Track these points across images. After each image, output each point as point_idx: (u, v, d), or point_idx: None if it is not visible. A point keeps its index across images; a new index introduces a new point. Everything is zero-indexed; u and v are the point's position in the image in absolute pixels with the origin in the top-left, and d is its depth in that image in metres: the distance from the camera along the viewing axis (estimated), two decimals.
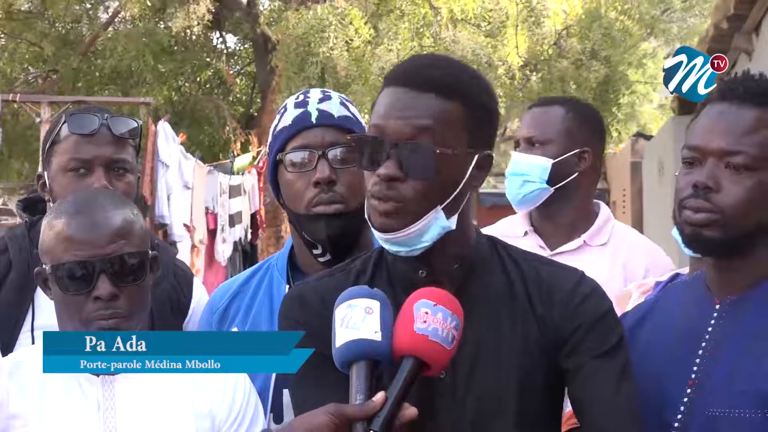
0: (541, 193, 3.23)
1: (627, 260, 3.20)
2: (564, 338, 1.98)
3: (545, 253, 3.19)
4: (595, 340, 1.97)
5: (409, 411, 1.81)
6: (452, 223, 1.96)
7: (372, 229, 1.98)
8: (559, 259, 3.12)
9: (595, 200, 3.38)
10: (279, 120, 2.52)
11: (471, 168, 1.96)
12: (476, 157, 1.97)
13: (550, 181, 3.21)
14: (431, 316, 1.83)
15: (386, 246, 1.98)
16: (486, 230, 3.26)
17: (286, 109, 2.52)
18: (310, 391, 1.95)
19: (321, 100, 2.49)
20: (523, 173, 3.22)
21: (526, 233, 3.30)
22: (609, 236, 3.28)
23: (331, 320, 1.92)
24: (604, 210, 3.35)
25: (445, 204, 1.94)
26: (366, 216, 1.99)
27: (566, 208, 3.26)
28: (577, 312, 1.99)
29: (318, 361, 1.92)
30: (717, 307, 2.11)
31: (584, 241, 3.25)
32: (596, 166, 3.29)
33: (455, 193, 1.95)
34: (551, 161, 3.19)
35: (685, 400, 2.06)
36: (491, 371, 1.96)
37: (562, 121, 3.24)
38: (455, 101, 1.94)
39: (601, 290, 2.05)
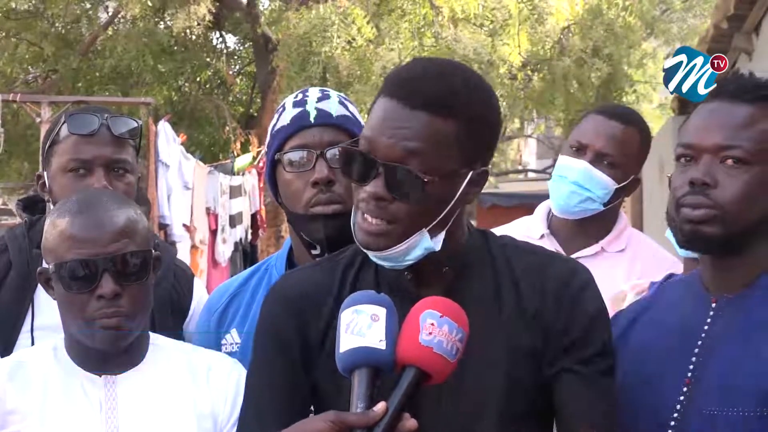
0: (592, 211, 3.16)
1: (644, 268, 3.12)
2: (554, 333, 1.96)
3: None
4: (585, 346, 1.96)
5: (410, 423, 1.80)
6: (437, 243, 1.94)
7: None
8: None
9: None
10: (277, 119, 2.51)
11: (463, 186, 1.93)
12: (470, 174, 1.93)
13: (605, 202, 3.14)
14: (437, 329, 1.82)
15: (371, 257, 1.97)
16: (503, 229, 3.23)
17: (284, 109, 2.51)
18: (276, 390, 2.01)
19: (320, 99, 2.48)
20: (589, 188, 3.11)
21: (542, 236, 3.24)
22: (627, 243, 3.23)
23: (312, 314, 1.98)
24: (622, 216, 3.30)
25: (430, 226, 1.92)
26: (352, 229, 1.96)
27: (595, 221, 3.20)
28: (570, 310, 1.96)
29: (289, 364, 2.00)
30: (713, 305, 2.10)
31: (602, 248, 3.20)
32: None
33: (443, 213, 1.92)
34: (616, 186, 3.12)
35: (682, 398, 2.05)
36: (477, 374, 1.94)
37: (637, 148, 3.16)
38: (449, 118, 1.88)
39: (594, 284, 2.02)
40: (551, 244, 3.21)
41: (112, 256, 2.21)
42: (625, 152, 3.12)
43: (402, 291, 1.97)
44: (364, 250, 1.96)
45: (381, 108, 1.92)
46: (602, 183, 3.11)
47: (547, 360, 1.96)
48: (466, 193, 1.94)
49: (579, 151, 3.16)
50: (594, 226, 3.21)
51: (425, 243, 1.92)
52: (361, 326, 1.83)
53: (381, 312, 1.84)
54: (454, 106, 1.89)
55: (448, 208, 1.93)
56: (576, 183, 3.13)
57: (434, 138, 1.87)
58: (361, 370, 1.82)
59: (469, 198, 1.95)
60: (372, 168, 1.89)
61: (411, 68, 1.99)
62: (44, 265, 2.31)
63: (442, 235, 1.95)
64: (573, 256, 3.17)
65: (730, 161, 2.03)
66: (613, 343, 2.06)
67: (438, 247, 1.94)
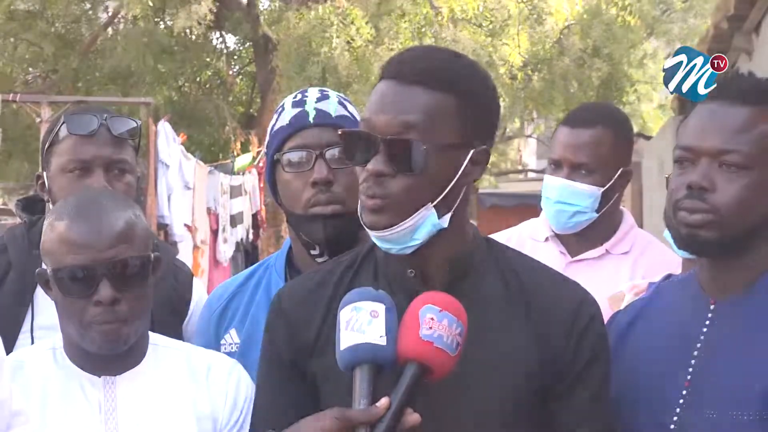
0: (588, 220, 3.14)
1: (648, 270, 3.08)
2: (560, 364, 1.96)
3: (565, 259, 3.15)
4: (588, 379, 1.97)
5: (413, 417, 1.81)
6: (444, 221, 1.94)
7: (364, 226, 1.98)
8: (579, 266, 3.10)
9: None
10: (277, 119, 2.51)
11: (465, 163, 1.93)
12: (471, 152, 1.94)
13: (597, 208, 3.12)
14: (437, 323, 1.83)
15: (378, 243, 1.97)
16: (507, 232, 3.26)
17: (283, 109, 2.51)
18: (275, 397, 2.04)
19: (319, 100, 2.48)
20: (574, 203, 3.10)
21: (547, 239, 3.23)
22: (632, 244, 3.21)
23: (303, 323, 2.00)
24: (627, 217, 3.28)
25: (436, 201, 1.93)
26: (359, 213, 1.97)
27: (597, 224, 3.17)
28: (577, 343, 1.97)
29: (284, 373, 2.02)
30: (712, 307, 2.10)
31: (606, 250, 3.18)
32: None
33: (447, 189, 1.93)
34: (601, 189, 3.10)
35: (681, 401, 2.04)
36: (478, 376, 1.94)
37: (611, 146, 3.12)
38: (447, 93, 1.90)
39: (600, 316, 2.03)
40: (556, 247, 3.21)
41: (110, 262, 2.18)
42: (598, 154, 3.10)
43: (405, 289, 1.97)
44: (371, 234, 1.95)
45: (378, 90, 1.95)
46: (584, 194, 3.09)
47: (551, 384, 1.97)
48: (467, 172, 1.95)
49: (556, 167, 3.16)
50: (597, 229, 3.19)
51: (432, 219, 1.93)
52: (361, 323, 1.84)
53: (380, 308, 1.85)
54: (450, 81, 1.91)
55: (451, 185, 1.93)
56: (559, 201, 3.12)
57: (432, 110, 1.90)
58: (363, 366, 1.83)
59: (471, 178, 1.96)
60: (372, 147, 1.91)
61: (407, 52, 2.02)
62: (43, 266, 2.30)
63: (448, 216, 1.95)
64: (578, 258, 3.18)
65: (728, 165, 2.02)
66: (612, 347, 2.06)
67: (446, 224, 1.94)
